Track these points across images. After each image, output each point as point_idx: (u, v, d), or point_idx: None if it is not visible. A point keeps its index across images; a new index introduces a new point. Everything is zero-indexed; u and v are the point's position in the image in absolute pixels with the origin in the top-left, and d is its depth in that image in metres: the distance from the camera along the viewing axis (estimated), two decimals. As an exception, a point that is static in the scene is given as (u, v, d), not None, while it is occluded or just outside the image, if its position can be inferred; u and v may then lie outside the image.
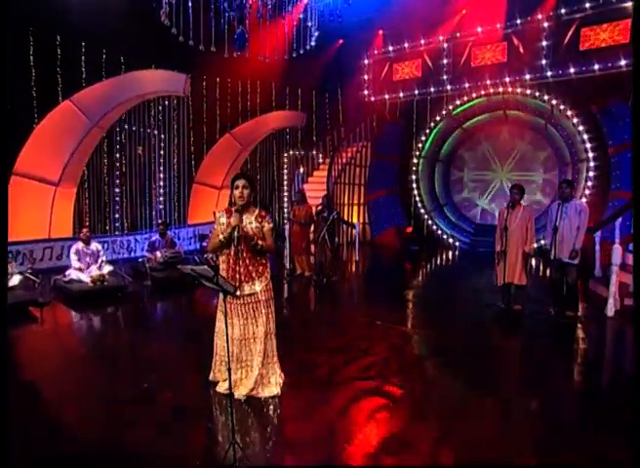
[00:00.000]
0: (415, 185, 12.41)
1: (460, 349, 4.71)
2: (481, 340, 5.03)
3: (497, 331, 5.53)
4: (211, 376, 3.71)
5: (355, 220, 12.21)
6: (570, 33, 9.56)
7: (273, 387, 3.52)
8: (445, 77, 11.60)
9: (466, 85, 11.25)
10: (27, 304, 5.85)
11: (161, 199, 10.85)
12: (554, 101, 9.98)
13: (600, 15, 9.12)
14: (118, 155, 9.91)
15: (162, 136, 10.88)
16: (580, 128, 9.69)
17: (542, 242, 6.06)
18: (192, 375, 3.93)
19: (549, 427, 3.12)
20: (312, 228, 8.29)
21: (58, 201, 8.66)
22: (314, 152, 13.78)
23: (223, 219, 3.41)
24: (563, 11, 9.61)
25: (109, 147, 9.88)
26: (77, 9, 8.37)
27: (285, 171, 13.81)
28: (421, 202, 12.44)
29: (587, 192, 9.49)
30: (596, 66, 9.27)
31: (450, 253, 11.54)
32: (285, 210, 13.43)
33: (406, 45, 12.15)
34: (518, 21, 10.22)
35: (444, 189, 12.99)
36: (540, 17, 9.92)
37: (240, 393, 3.44)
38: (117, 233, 9.73)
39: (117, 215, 9.90)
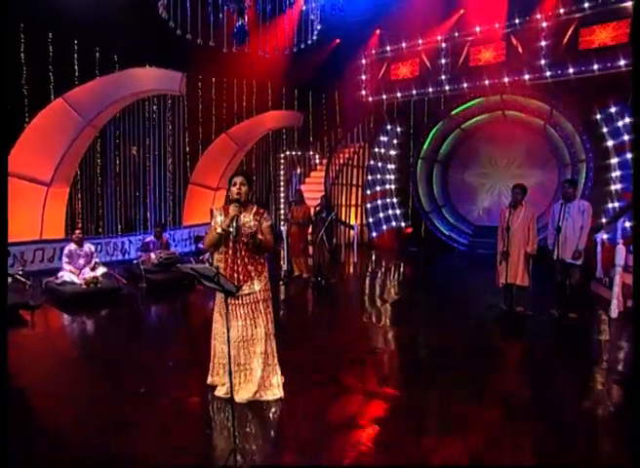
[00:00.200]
0: (413, 186, 12.38)
1: (461, 351, 4.65)
2: (483, 342, 4.99)
3: (499, 332, 5.48)
4: (209, 380, 3.63)
5: (353, 222, 12.16)
6: (569, 33, 9.59)
7: (275, 389, 3.46)
8: (443, 77, 11.61)
9: (465, 85, 11.26)
10: (18, 307, 5.72)
11: (156, 200, 10.73)
12: (553, 102, 9.99)
13: (599, 14, 9.15)
14: (112, 155, 9.80)
15: (157, 135, 10.77)
16: (580, 128, 9.70)
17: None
18: (190, 380, 3.84)
19: (551, 428, 3.09)
20: (310, 229, 8.21)
21: (50, 201, 8.53)
22: (311, 153, 13.73)
23: (220, 218, 3.35)
24: (562, 11, 9.64)
25: (103, 147, 9.77)
26: (70, 6, 8.28)
27: (282, 171, 13.74)
28: (420, 203, 12.41)
29: (587, 193, 9.49)
30: (595, 66, 9.30)
31: (449, 255, 11.52)
32: (282, 210, 13.36)
33: (404, 44, 12.15)
34: (517, 21, 10.24)
35: (442, 190, 12.97)
36: (538, 16, 9.94)
37: (240, 397, 3.36)
38: (111, 234, 9.60)
39: (111, 217, 9.77)
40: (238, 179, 3.30)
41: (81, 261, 6.73)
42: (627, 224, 7.28)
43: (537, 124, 11.03)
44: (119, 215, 10.10)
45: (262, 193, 13.84)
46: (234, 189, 3.29)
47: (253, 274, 3.36)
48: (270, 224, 3.42)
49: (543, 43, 9.98)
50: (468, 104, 11.51)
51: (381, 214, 12.76)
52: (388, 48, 12.47)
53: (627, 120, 8.80)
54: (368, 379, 3.91)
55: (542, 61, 10.03)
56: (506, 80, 10.56)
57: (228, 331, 2.84)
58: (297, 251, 8.11)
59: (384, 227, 12.67)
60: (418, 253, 11.51)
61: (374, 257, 11.20)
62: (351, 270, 9.61)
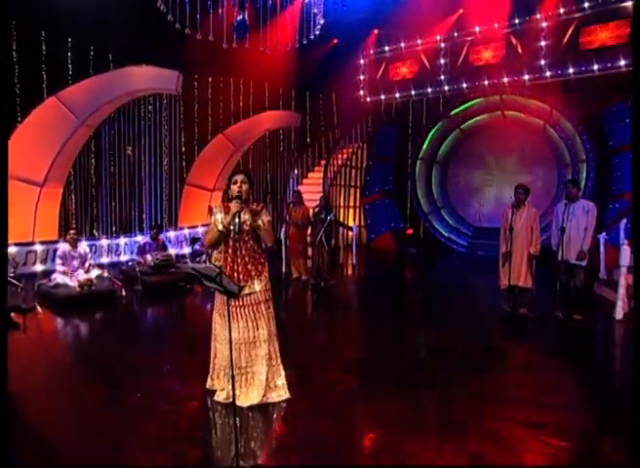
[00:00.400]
0: (412, 187, 12.35)
1: (465, 353, 4.60)
2: (487, 344, 4.94)
3: (503, 335, 5.43)
4: (208, 384, 3.55)
5: (351, 223, 12.11)
6: (569, 33, 9.61)
7: (281, 390, 3.41)
8: (442, 77, 11.60)
9: (464, 85, 11.26)
10: (9, 311, 5.60)
11: (151, 201, 10.62)
12: (553, 102, 10.00)
13: (599, 14, 9.17)
14: (107, 155, 9.69)
15: (152, 135, 10.67)
16: (580, 128, 9.70)
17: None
18: (188, 384, 3.75)
19: (553, 430, 3.06)
20: (309, 230, 8.13)
21: (42, 202, 8.41)
22: (309, 153, 13.67)
23: (220, 215, 3.28)
24: (562, 10, 9.65)
25: (97, 147, 9.67)
26: (64, 3, 8.21)
27: (279, 172, 13.67)
28: (418, 204, 12.38)
29: (587, 193, 9.48)
30: (596, 66, 9.32)
31: (448, 257, 11.49)
32: (278, 211, 13.28)
33: (402, 44, 12.14)
34: (517, 21, 10.24)
35: (441, 191, 12.94)
36: (538, 16, 9.95)
37: (242, 402, 3.27)
38: (105, 236, 9.48)
39: (105, 218, 9.66)
40: (239, 177, 3.26)
41: (75, 263, 6.62)
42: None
43: (536, 124, 11.03)
44: (114, 217, 9.99)
45: (260, 195, 13.76)
46: (235, 187, 3.24)
47: (253, 273, 3.29)
48: (270, 220, 3.36)
49: (543, 43, 10.00)
50: (468, 105, 11.51)
51: (380, 216, 12.70)
52: (387, 48, 12.46)
53: (628, 120, 8.80)
54: (369, 381, 3.86)
55: (542, 61, 10.04)
56: (506, 80, 10.57)
57: (230, 332, 2.75)
58: (295, 252, 8.03)
59: (383, 229, 12.62)
60: (417, 255, 11.46)
61: (373, 259, 11.14)
62: (351, 272, 9.54)
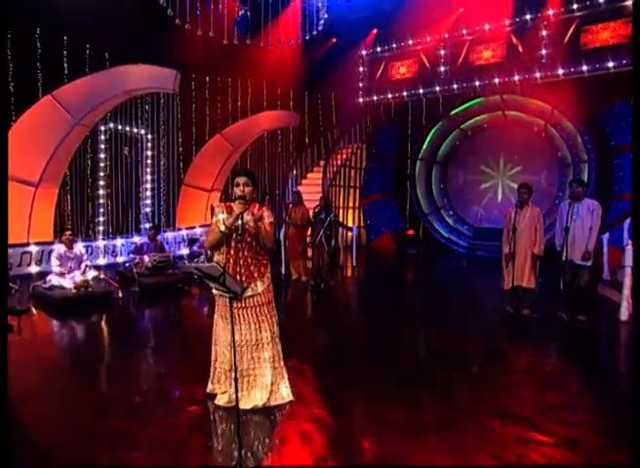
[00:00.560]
0: (411, 188, 12.32)
1: (468, 355, 4.56)
2: (490, 346, 4.89)
3: (507, 336, 5.39)
4: (208, 388, 3.49)
5: (350, 224, 12.06)
6: (570, 32, 9.60)
7: (284, 393, 3.36)
8: (442, 77, 11.58)
9: (464, 85, 11.23)
10: (4, 312, 5.51)
11: (148, 201, 10.54)
12: (554, 101, 9.98)
13: (601, 14, 9.17)
14: (103, 155, 9.61)
15: (149, 135, 10.61)
16: (581, 128, 9.69)
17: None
18: (187, 388, 3.68)
19: (556, 432, 3.03)
20: (309, 231, 8.07)
21: (37, 203, 8.33)
22: (307, 154, 13.63)
23: (223, 215, 3.22)
24: (563, 10, 9.65)
25: (93, 146, 9.58)
26: (59, 1, 8.14)
27: (278, 173, 13.62)
28: (418, 205, 12.34)
29: (589, 193, 9.47)
30: (597, 66, 9.30)
31: (449, 258, 11.45)
32: (277, 212, 13.22)
33: (402, 44, 12.11)
34: (517, 20, 10.23)
35: (441, 192, 12.91)
36: (539, 15, 9.94)
37: (244, 405, 3.21)
38: (102, 237, 9.39)
39: (101, 219, 9.57)
40: (241, 180, 3.18)
41: (71, 264, 6.54)
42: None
43: (537, 124, 11.02)
44: (110, 217, 9.90)
45: (258, 195, 13.70)
46: (238, 190, 3.18)
47: (255, 275, 3.24)
48: (272, 222, 3.31)
49: (544, 42, 9.98)
50: (468, 104, 11.49)
51: (380, 216, 12.66)
52: (386, 47, 12.43)
53: (630, 120, 8.79)
54: (371, 382, 3.81)
55: (543, 61, 10.03)
56: (507, 80, 10.55)
57: (234, 335, 2.68)
58: (295, 253, 7.97)
59: (383, 229, 12.57)
60: (416, 256, 11.41)
61: (372, 260, 11.09)
62: (351, 273, 9.49)
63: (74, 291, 6.18)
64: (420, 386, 3.82)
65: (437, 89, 11.73)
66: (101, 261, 8.87)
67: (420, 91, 12.00)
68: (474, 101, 11.37)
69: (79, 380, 3.98)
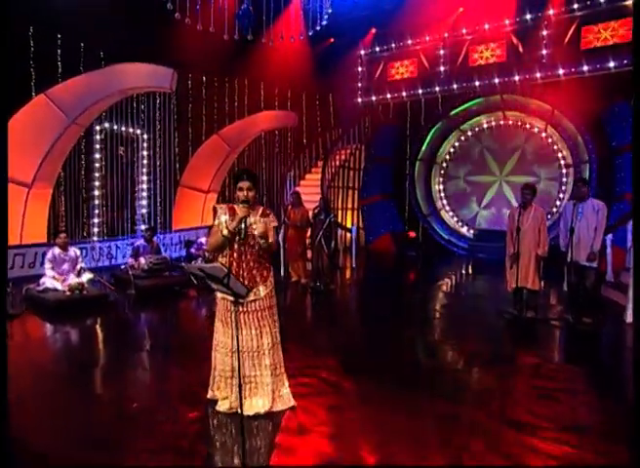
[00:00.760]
0: (411, 189, 12.28)
1: (471, 359, 4.51)
2: (494, 349, 4.85)
3: (510, 339, 5.35)
4: (209, 394, 3.41)
5: (349, 225, 12.01)
6: (570, 32, 9.61)
7: (286, 399, 3.31)
8: (442, 77, 11.56)
9: (464, 85, 11.21)
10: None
11: (144, 203, 10.43)
12: (555, 101, 9.98)
13: (601, 13, 9.17)
14: (98, 155, 9.49)
15: (145, 135, 10.50)
16: (582, 128, 9.69)
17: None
18: (187, 393, 3.60)
19: (561, 437, 3.00)
20: (309, 232, 8.00)
21: (31, 204, 8.20)
22: (306, 154, 13.57)
23: (225, 217, 3.15)
24: (563, 9, 9.65)
25: (88, 146, 9.46)
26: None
27: (275, 174, 13.54)
28: (418, 206, 12.30)
29: (591, 194, 9.45)
30: (598, 66, 9.30)
31: (448, 259, 11.42)
32: (274, 213, 13.13)
33: (401, 44, 12.09)
34: (517, 20, 10.23)
35: (441, 193, 12.86)
36: (539, 15, 9.94)
37: (245, 411, 3.13)
38: (97, 239, 9.27)
39: (96, 220, 9.44)
40: (244, 185, 3.12)
41: (65, 267, 6.43)
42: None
43: (538, 124, 11.01)
44: (105, 219, 9.78)
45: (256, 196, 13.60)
46: (241, 194, 3.12)
47: (258, 279, 3.19)
48: (276, 226, 3.26)
49: (545, 42, 9.98)
50: (468, 105, 11.48)
51: (379, 218, 12.61)
52: (385, 47, 12.40)
53: (631, 120, 8.79)
54: (373, 387, 3.75)
55: (544, 61, 10.02)
56: (507, 80, 10.54)
57: (238, 340, 2.61)
58: (294, 255, 7.89)
59: (382, 231, 12.52)
60: (416, 258, 11.38)
61: (372, 262, 11.03)
62: (351, 275, 9.42)
63: (69, 293, 6.08)
64: (423, 389, 3.78)
65: (437, 89, 11.71)
66: (97, 264, 8.74)
67: (420, 91, 11.98)
68: (474, 102, 11.36)
69: (74, 387, 3.88)
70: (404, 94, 12.23)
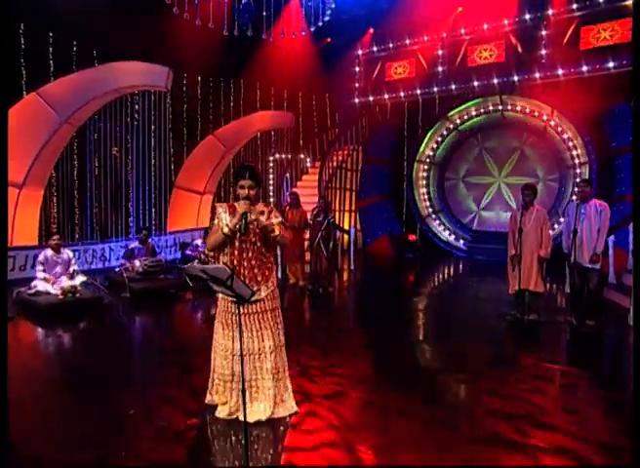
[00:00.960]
0: (409, 190, 12.25)
1: (474, 362, 4.46)
2: (497, 353, 4.82)
3: (513, 342, 5.32)
4: (207, 399, 3.34)
5: (347, 227, 11.96)
6: (570, 32, 9.64)
7: (288, 404, 3.23)
8: (440, 77, 11.56)
9: (462, 85, 11.22)
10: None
11: (138, 204, 10.34)
12: (554, 102, 10.00)
13: (601, 13, 9.21)
14: (91, 155, 9.40)
15: (139, 135, 10.41)
16: (582, 129, 9.71)
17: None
18: (185, 399, 3.53)
19: (565, 442, 2.97)
20: (307, 234, 7.95)
21: (22, 205, 8.09)
22: (302, 156, 13.52)
23: (225, 215, 3.09)
24: (563, 9, 9.68)
25: (81, 147, 9.37)
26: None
27: (271, 175, 13.48)
28: (416, 208, 12.28)
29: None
30: (597, 66, 9.33)
31: (447, 261, 11.40)
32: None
33: (399, 44, 12.08)
34: (516, 20, 10.25)
35: (439, 194, 12.87)
36: (538, 15, 9.97)
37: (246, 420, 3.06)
38: (89, 241, 9.17)
39: (89, 222, 9.34)
40: (246, 183, 3.05)
41: (58, 269, 6.33)
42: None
43: (537, 125, 11.03)
44: (98, 221, 9.68)
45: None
46: (242, 193, 3.05)
47: (259, 279, 3.11)
48: (281, 221, 3.19)
49: (544, 42, 10.01)
50: (466, 105, 11.48)
51: (376, 219, 12.57)
52: (383, 47, 12.39)
53: (631, 121, 8.82)
54: (375, 392, 3.71)
55: (543, 61, 10.05)
56: (505, 80, 10.55)
57: (241, 342, 2.54)
58: (292, 257, 7.82)
59: (380, 233, 12.48)
60: (414, 260, 11.35)
61: (370, 264, 10.99)
62: (349, 278, 9.37)
63: (61, 297, 5.97)
64: (424, 393, 3.74)
65: (435, 89, 11.70)
66: (90, 266, 8.64)
67: (418, 91, 11.97)
68: (472, 102, 11.37)
69: (68, 393, 3.79)
70: (402, 94, 12.21)
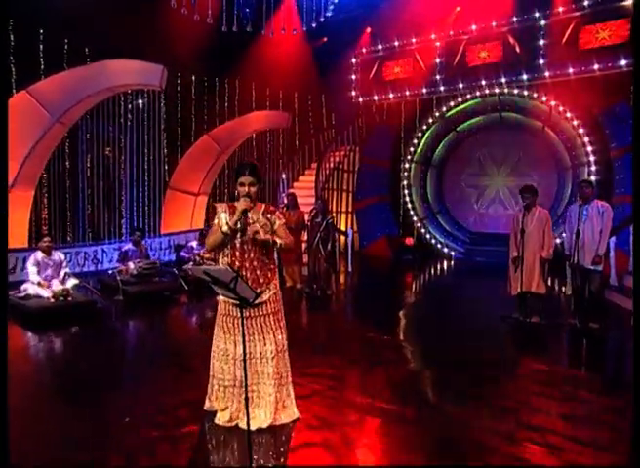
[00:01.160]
0: (406, 192, 12.25)
1: (476, 366, 4.43)
2: (499, 356, 4.79)
3: (516, 345, 5.31)
4: (206, 405, 3.27)
5: (343, 228, 11.92)
6: (568, 32, 9.67)
7: (290, 410, 3.17)
8: (438, 77, 11.57)
9: (460, 85, 11.24)
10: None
11: (131, 205, 10.24)
12: (552, 103, 10.04)
13: (600, 13, 9.25)
14: (83, 155, 9.30)
15: (133, 135, 10.32)
16: (581, 130, 9.75)
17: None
18: (182, 406, 3.45)
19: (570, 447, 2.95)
20: (305, 236, 7.90)
21: (12, 206, 7.91)
22: (299, 156, 13.48)
23: (225, 215, 3.04)
24: (561, 9, 9.73)
25: (73, 146, 9.26)
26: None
27: (268, 175, 13.42)
28: (414, 209, 12.27)
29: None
30: (596, 66, 9.37)
31: (445, 264, 11.40)
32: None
33: (396, 43, 12.09)
34: (514, 19, 10.28)
35: (437, 195, 12.88)
36: (537, 14, 10.01)
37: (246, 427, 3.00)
38: (81, 243, 9.06)
39: (81, 223, 9.23)
40: (246, 180, 3.01)
41: (49, 272, 6.23)
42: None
43: (535, 125, 11.07)
44: (91, 222, 9.57)
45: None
46: (242, 190, 3.01)
47: (261, 280, 3.05)
48: (284, 223, 3.14)
49: (542, 42, 10.05)
50: (464, 105, 11.50)
51: (374, 221, 12.55)
52: (380, 46, 12.38)
53: (630, 121, 8.86)
54: (376, 397, 3.65)
55: (541, 61, 10.09)
56: (504, 80, 10.58)
57: (244, 346, 2.49)
58: (289, 259, 7.76)
59: (377, 234, 12.46)
60: (412, 262, 11.34)
61: (368, 266, 10.95)
62: (347, 280, 9.33)
63: (53, 300, 5.87)
64: (425, 397, 3.73)
65: (432, 89, 11.71)
66: (82, 269, 8.53)
67: (415, 91, 11.97)
68: (470, 102, 11.39)
69: (60, 400, 3.71)
70: (399, 94, 12.21)
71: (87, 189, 9.43)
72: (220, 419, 3.12)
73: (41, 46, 8.94)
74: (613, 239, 7.10)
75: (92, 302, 6.22)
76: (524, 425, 3.22)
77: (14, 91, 8.10)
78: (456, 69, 11.32)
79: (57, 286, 6.05)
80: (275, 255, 8.03)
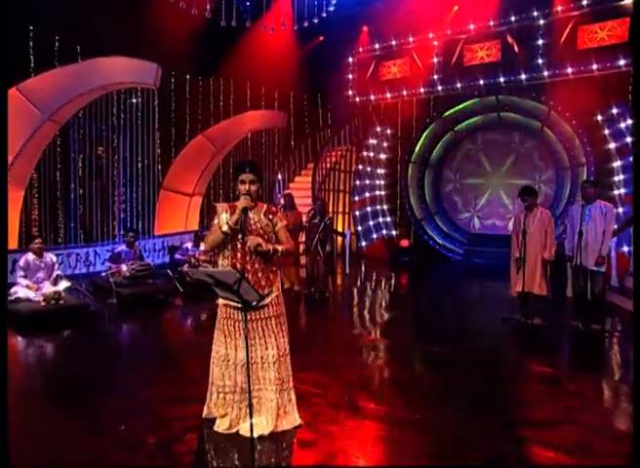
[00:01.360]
0: (403, 193, 12.22)
1: (477, 369, 4.39)
2: (500, 358, 4.77)
3: (517, 347, 5.28)
4: (205, 412, 3.19)
5: (340, 229, 11.88)
6: (567, 32, 9.69)
7: (291, 416, 3.10)
8: (435, 77, 11.56)
9: (458, 85, 11.23)
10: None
11: (124, 206, 10.14)
12: (551, 103, 10.06)
13: (599, 13, 9.28)
14: (75, 155, 9.18)
15: (126, 134, 10.21)
16: (580, 130, 9.76)
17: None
18: (180, 413, 3.37)
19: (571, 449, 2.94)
20: (303, 237, 7.84)
21: (1, 207, 7.84)
22: (295, 156, 13.43)
23: (226, 215, 2.98)
24: (560, 8, 9.75)
25: (65, 146, 9.14)
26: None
27: (265, 176, 13.36)
28: (411, 210, 12.24)
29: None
30: (595, 66, 9.40)
31: (443, 265, 11.38)
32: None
33: (393, 42, 12.06)
34: (513, 19, 10.30)
35: (435, 196, 12.86)
36: (535, 14, 10.03)
37: (247, 432, 2.92)
38: (73, 244, 8.94)
39: (73, 224, 9.11)
40: (247, 178, 2.97)
41: (40, 274, 6.12)
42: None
43: (533, 125, 11.09)
44: (83, 223, 9.45)
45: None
46: (242, 188, 2.97)
47: (263, 283, 2.99)
48: (286, 224, 3.09)
49: (540, 41, 10.06)
50: (462, 105, 11.49)
51: (371, 222, 12.53)
52: (377, 46, 12.36)
53: (630, 121, 8.90)
54: (376, 400, 3.62)
55: (540, 61, 10.10)
56: (502, 80, 10.59)
57: (247, 352, 2.42)
58: (287, 260, 7.67)
59: (374, 236, 12.43)
60: (410, 263, 11.31)
61: (366, 268, 10.91)
62: (345, 282, 9.27)
63: (44, 304, 5.76)
64: (426, 401, 3.67)
65: (430, 89, 11.70)
66: (74, 271, 8.42)
67: (413, 91, 11.95)
68: (468, 102, 11.38)
69: (52, 407, 3.61)
70: (396, 93, 12.18)
71: (79, 189, 9.31)
72: (220, 426, 3.05)
73: (31, 43, 8.82)
74: (614, 240, 7.11)
75: (84, 305, 6.12)
76: (526, 427, 3.19)
77: (4, 88, 7.99)
78: (454, 69, 11.31)
79: (48, 288, 5.94)
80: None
